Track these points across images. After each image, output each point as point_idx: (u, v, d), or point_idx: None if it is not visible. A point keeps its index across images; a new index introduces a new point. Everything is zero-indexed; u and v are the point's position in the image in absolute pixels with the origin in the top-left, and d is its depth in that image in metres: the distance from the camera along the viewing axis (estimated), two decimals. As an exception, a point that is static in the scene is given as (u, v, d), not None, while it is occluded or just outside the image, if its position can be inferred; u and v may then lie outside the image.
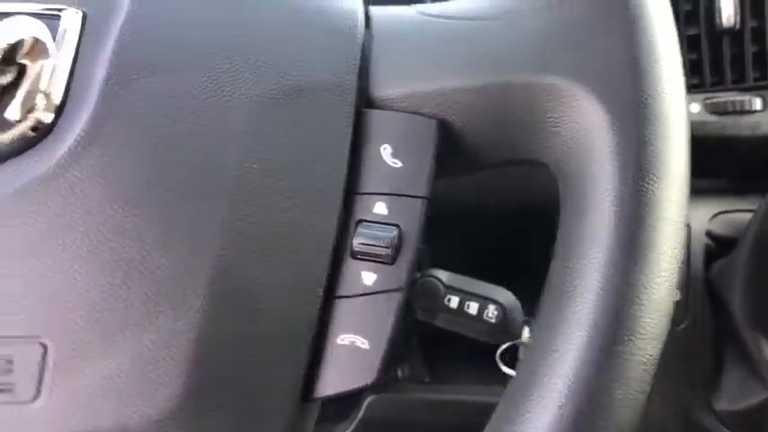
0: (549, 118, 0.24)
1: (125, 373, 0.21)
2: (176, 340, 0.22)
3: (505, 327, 0.36)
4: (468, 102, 0.24)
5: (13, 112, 0.23)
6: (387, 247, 0.23)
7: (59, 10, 0.24)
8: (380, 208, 0.24)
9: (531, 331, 0.37)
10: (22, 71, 0.24)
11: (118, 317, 0.21)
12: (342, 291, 0.24)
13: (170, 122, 0.23)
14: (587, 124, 0.23)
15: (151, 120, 0.23)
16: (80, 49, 0.24)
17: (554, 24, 0.24)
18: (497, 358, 0.37)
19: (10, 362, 0.21)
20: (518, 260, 0.51)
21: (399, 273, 0.24)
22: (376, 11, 0.27)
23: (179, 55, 0.24)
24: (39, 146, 0.23)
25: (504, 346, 0.37)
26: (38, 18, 0.24)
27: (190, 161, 0.23)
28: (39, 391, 0.21)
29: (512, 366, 0.37)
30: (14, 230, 0.22)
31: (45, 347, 0.21)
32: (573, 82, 0.23)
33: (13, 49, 0.24)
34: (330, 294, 0.23)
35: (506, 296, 0.37)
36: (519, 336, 0.37)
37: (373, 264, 0.24)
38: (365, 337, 0.23)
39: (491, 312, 0.36)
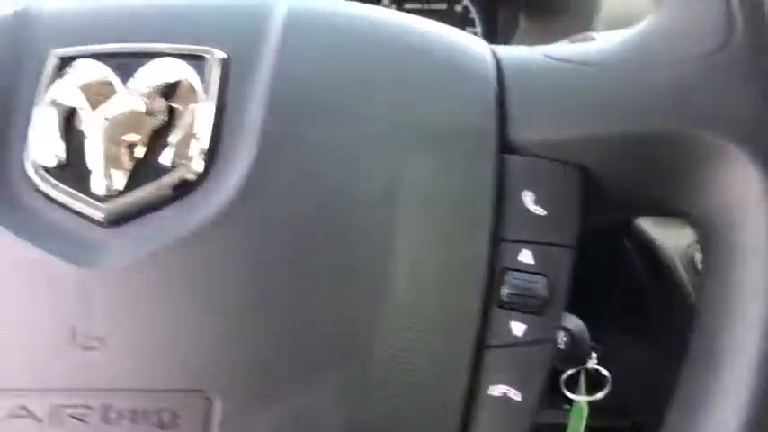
0: (696, 169, 0.24)
1: (287, 430, 0.21)
2: (341, 398, 0.21)
3: (573, 352, 0.37)
4: (611, 149, 0.24)
5: (166, 157, 0.21)
6: (536, 298, 0.23)
7: (204, 51, 0.23)
8: (526, 256, 0.24)
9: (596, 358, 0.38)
10: (171, 115, 0.22)
11: (283, 372, 0.21)
12: (492, 340, 0.23)
13: (327, 172, 0.22)
14: (737, 177, 0.23)
15: (312, 170, 0.22)
16: (227, 92, 0.23)
17: (693, 72, 0.24)
18: (562, 384, 0.38)
19: (175, 416, 0.20)
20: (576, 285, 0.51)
21: (549, 323, 0.23)
22: (502, 52, 0.27)
23: (329, 98, 0.23)
24: (193, 194, 0.21)
25: (568, 372, 0.38)
26: (183, 59, 0.23)
27: (345, 216, 0.22)
28: None
29: (573, 391, 0.38)
30: (176, 281, 0.20)
31: (210, 401, 0.20)
32: (720, 134, 0.23)
33: (162, 91, 0.22)
34: (480, 344, 0.23)
35: (574, 321, 0.37)
36: (585, 361, 0.37)
37: (522, 314, 0.23)
38: (517, 389, 0.23)
39: (560, 338, 0.37)
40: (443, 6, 0.69)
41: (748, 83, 0.23)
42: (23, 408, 0.20)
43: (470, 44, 0.26)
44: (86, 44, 0.24)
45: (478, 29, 0.68)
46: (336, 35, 0.25)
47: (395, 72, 0.25)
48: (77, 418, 0.20)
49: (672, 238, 0.41)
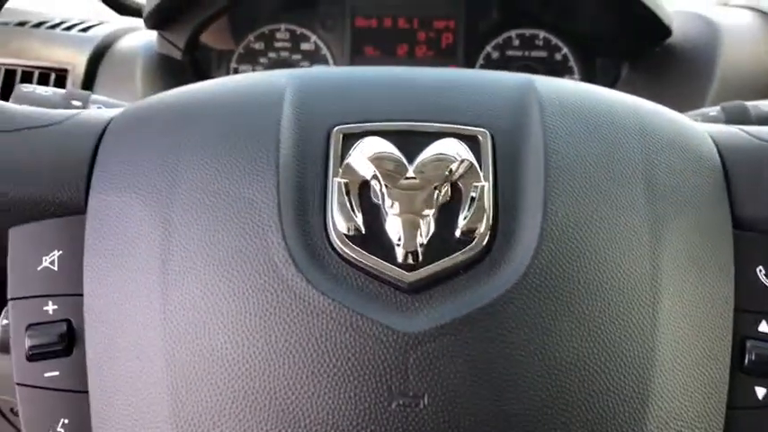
0: None
1: None
2: None
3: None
4: None
5: (457, 232, 0.24)
6: None
7: (477, 132, 0.26)
8: (765, 327, 0.26)
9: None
10: (453, 191, 0.25)
11: (576, 426, 0.23)
12: (738, 403, 0.25)
13: (599, 249, 0.24)
14: None
15: (588, 247, 0.24)
16: (501, 170, 0.25)
17: None
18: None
19: None
20: None
21: None
22: (709, 129, 0.29)
23: (596, 177, 0.26)
24: (480, 265, 0.24)
25: None
26: (459, 139, 0.26)
27: (615, 290, 0.24)
28: None
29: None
30: (476, 345, 0.23)
31: None
32: None
33: (445, 169, 0.25)
34: (729, 406, 0.25)
35: None
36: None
37: (765, 379, 0.26)
38: None
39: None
40: (543, 54, 0.71)
41: None
42: None
43: (686, 120, 0.29)
44: (364, 122, 0.26)
45: (577, 76, 0.71)
46: (584, 111, 0.27)
47: (639, 149, 0.27)
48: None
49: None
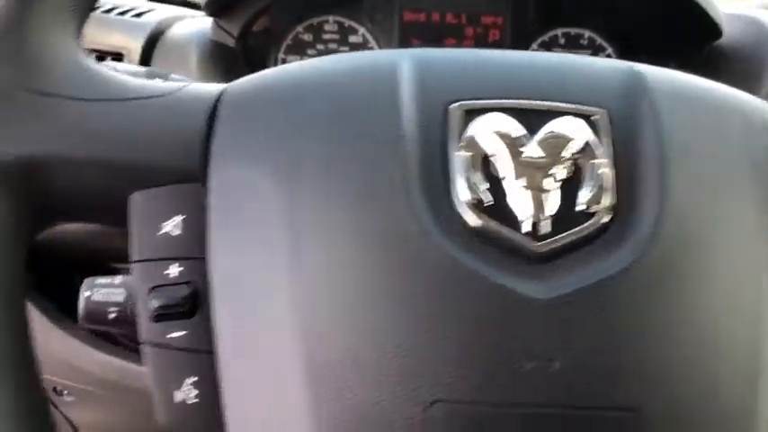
0: None
1: None
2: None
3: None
4: None
5: (581, 206, 0.25)
6: None
7: (593, 111, 0.27)
8: None
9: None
10: (575, 168, 0.26)
11: (693, 392, 0.24)
12: None
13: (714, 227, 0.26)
14: None
15: (701, 227, 0.25)
16: (618, 147, 0.26)
17: None
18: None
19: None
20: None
21: None
22: None
23: (706, 161, 0.26)
24: (603, 237, 0.25)
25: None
26: (577, 117, 0.26)
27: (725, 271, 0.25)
28: None
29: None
30: (605, 312, 0.24)
31: (639, 419, 0.23)
32: None
33: (565, 146, 0.26)
34: None
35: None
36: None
37: None
38: None
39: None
40: (588, 53, 0.72)
41: None
42: (481, 420, 0.23)
43: None
44: (482, 98, 0.27)
45: (621, 76, 0.71)
46: (689, 96, 0.28)
47: (742, 133, 0.28)
48: (528, 428, 0.23)
49: None
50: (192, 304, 0.27)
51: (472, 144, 0.26)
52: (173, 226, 0.27)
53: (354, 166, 0.26)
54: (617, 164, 0.26)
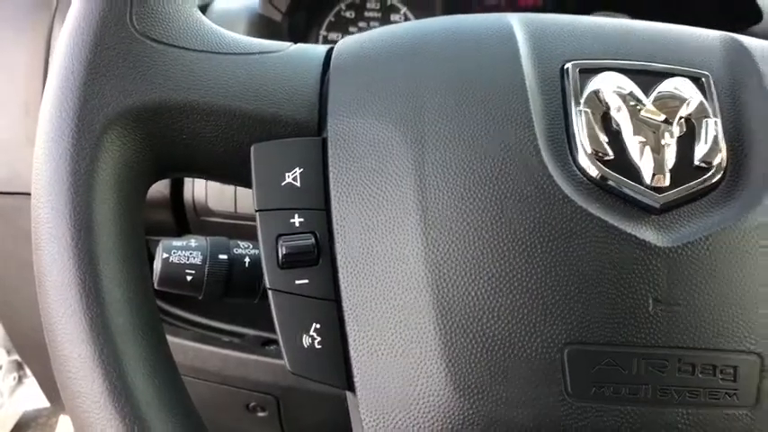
0: None
1: None
2: None
3: None
4: None
5: (698, 161, 0.26)
6: None
7: (701, 74, 0.28)
8: None
9: None
10: (690, 126, 0.27)
11: None
12: None
13: None
14: None
15: None
16: (725, 108, 0.27)
17: None
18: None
19: (734, 373, 0.24)
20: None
21: None
22: None
23: None
24: (718, 190, 0.26)
25: None
26: (688, 79, 0.27)
27: None
28: (758, 399, 0.24)
29: None
30: (727, 259, 0.25)
31: (762, 358, 0.24)
32: None
33: (678, 106, 0.27)
34: None
35: None
36: None
37: None
38: None
39: None
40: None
41: None
42: (612, 360, 0.24)
43: None
44: (595, 59, 0.28)
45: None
46: None
47: None
48: (657, 370, 0.24)
49: None
50: (316, 253, 0.27)
51: (591, 101, 0.27)
52: (294, 178, 0.28)
53: (479, 116, 0.27)
54: (724, 123, 0.27)
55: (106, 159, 0.27)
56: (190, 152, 0.29)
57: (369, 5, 0.72)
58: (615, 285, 0.25)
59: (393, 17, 0.73)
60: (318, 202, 0.28)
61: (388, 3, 0.72)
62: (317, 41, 0.73)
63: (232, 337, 0.67)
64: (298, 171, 0.28)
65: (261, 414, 0.67)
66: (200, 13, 0.31)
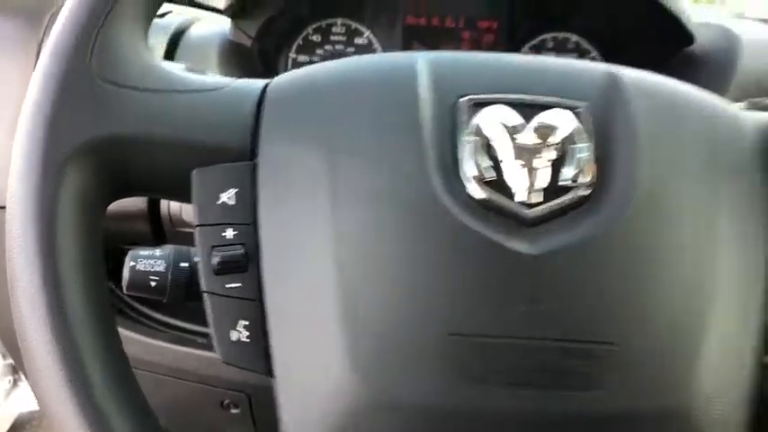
0: None
1: None
2: None
3: None
4: None
5: (565, 181, 0.31)
6: None
7: (577, 105, 0.33)
8: None
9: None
10: (563, 151, 0.32)
11: (657, 327, 0.30)
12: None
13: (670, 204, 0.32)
14: None
15: (666, 199, 0.32)
16: (598, 134, 0.32)
17: None
18: None
19: (589, 358, 0.30)
20: None
21: None
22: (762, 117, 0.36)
23: (672, 149, 0.33)
24: (582, 207, 0.31)
25: None
26: (565, 109, 0.33)
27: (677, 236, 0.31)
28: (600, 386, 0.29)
29: None
30: (585, 264, 0.30)
31: (614, 349, 0.30)
32: None
33: (553, 133, 0.32)
34: None
35: None
36: None
37: None
38: None
39: None
40: (574, 57, 0.79)
41: None
42: (489, 349, 0.29)
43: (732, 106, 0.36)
44: (486, 93, 0.33)
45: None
46: (658, 93, 0.35)
47: (705, 126, 0.34)
48: (528, 357, 0.29)
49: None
50: (245, 261, 0.33)
51: (478, 131, 0.32)
52: (228, 197, 0.33)
53: (382, 147, 0.32)
54: (596, 147, 0.32)
55: (68, 183, 0.32)
56: (140, 177, 0.35)
57: (334, 30, 0.78)
58: (491, 287, 0.30)
59: (357, 40, 0.78)
60: (249, 217, 0.33)
61: (353, 27, 0.78)
62: (286, 64, 0.79)
63: (207, 338, 0.72)
64: (233, 191, 0.34)
65: (234, 411, 0.71)
66: (151, 55, 0.36)
